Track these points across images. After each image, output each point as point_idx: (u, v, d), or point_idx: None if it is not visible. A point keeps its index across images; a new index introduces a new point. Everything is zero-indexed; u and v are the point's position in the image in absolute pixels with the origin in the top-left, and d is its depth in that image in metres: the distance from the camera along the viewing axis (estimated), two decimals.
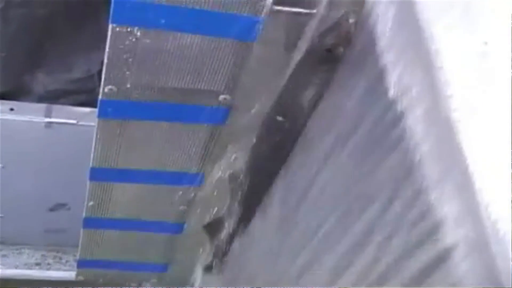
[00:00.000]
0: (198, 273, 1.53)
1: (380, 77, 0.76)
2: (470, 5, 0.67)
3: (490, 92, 0.63)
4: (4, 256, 1.85)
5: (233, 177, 1.23)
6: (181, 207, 1.35)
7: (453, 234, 0.63)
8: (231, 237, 1.34)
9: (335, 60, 0.85)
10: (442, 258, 0.64)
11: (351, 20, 0.81)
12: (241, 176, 1.21)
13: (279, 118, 1.00)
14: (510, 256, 0.56)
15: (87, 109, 1.45)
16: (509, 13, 0.66)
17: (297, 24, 0.95)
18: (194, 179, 1.26)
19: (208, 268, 1.47)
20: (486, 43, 0.63)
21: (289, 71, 0.97)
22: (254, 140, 1.13)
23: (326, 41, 0.85)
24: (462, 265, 0.62)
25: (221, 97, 1.06)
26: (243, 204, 1.25)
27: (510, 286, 0.56)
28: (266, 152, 1.14)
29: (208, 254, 1.46)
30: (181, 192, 1.31)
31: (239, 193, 1.24)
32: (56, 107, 1.50)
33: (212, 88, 1.05)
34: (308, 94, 0.94)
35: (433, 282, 0.67)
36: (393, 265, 0.74)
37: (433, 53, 0.66)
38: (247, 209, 1.26)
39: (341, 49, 0.84)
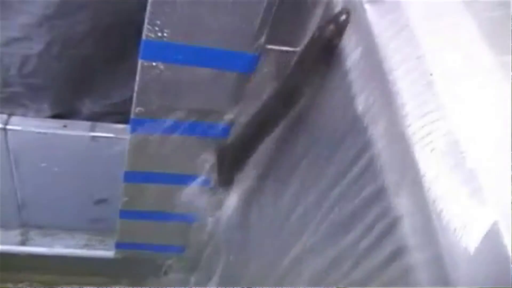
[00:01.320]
0: None
1: (351, 98, 0.74)
2: (419, 44, 0.65)
3: (435, 112, 0.61)
4: (61, 238, 1.85)
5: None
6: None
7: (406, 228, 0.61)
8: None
9: (333, 50, 0.81)
10: (398, 251, 0.62)
11: (344, 17, 0.77)
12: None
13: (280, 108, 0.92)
14: (453, 241, 0.54)
15: (122, 126, 1.45)
16: (452, 49, 0.65)
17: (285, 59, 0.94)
18: (205, 181, 1.24)
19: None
20: (431, 74, 0.62)
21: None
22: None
23: (325, 32, 0.80)
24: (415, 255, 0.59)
25: (226, 116, 1.06)
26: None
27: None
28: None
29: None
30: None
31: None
32: (99, 124, 1.50)
33: (218, 109, 1.04)
34: (310, 84, 0.88)
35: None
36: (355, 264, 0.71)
37: (391, 81, 0.65)
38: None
39: (338, 40, 0.79)
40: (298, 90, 0.88)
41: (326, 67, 0.83)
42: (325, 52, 0.81)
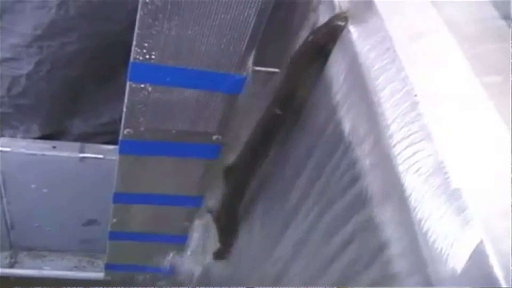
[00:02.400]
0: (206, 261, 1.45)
1: (337, 119, 0.75)
2: (403, 65, 0.66)
3: (419, 132, 0.61)
4: (50, 260, 1.85)
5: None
6: (185, 223, 1.34)
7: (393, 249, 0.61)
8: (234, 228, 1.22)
9: (326, 55, 0.80)
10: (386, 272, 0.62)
11: (339, 22, 0.77)
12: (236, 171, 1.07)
13: (277, 111, 0.91)
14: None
15: (111, 147, 1.46)
16: (435, 70, 0.66)
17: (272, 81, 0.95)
18: (195, 201, 1.24)
19: (216, 254, 1.32)
20: (416, 95, 0.62)
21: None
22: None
23: (318, 38, 0.81)
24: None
25: (214, 137, 1.06)
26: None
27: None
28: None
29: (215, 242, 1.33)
30: (185, 212, 1.30)
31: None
32: (88, 145, 1.51)
33: (207, 130, 1.04)
34: (303, 88, 0.88)
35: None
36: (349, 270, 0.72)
37: (376, 103, 0.65)
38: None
39: (331, 45, 0.79)
40: (292, 93, 0.88)
41: (318, 71, 0.82)
42: (318, 55, 0.82)
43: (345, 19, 0.76)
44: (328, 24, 0.79)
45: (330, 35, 0.78)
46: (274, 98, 0.90)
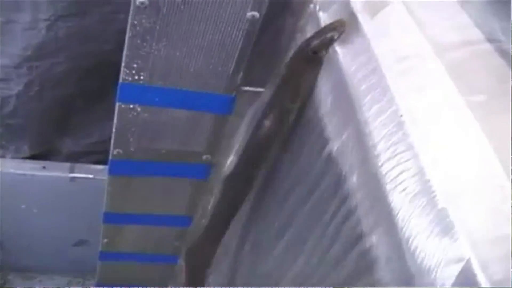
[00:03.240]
0: None
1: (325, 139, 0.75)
2: (389, 85, 0.67)
3: (406, 152, 0.62)
4: (40, 281, 1.83)
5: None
6: (176, 243, 1.33)
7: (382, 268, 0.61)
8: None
9: (319, 62, 0.81)
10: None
11: (332, 34, 0.78)
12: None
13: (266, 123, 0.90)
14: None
15: (101, 167, 1.45)
16: (421, 90, 0.66)
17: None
18: (184, 221, 1.24)
19: None
20: (401, 115, 0.63)
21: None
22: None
23: (312, 44, 0.81)
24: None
25: (204, 156, 1.06)
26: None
27: None
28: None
29: None
30: (175, 232, 1.29)
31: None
32: (78, 165, 1.50)
33: (197, 150, 1.04)
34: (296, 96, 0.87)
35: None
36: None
37: (363, 122, 0.66)
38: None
39: (324, 52, 0.79)
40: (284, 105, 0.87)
41: (311, 80, 0.83)
42: (311, 63, 0.82)
43: (341, 25, 0.77)
44: (321, 32, 0.80)
45: (324, 42, 0.79)
46: (263, 112, 0.90)
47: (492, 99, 0.64)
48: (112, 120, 0.98)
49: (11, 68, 1.40)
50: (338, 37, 0.77)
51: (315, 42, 0.80)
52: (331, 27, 0.78)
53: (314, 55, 0.80)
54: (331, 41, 0.78)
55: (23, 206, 1.56)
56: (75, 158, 1.56)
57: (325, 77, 0.77)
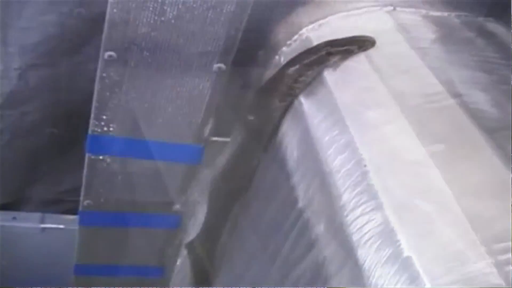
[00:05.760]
0: None
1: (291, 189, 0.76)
2: (353, 136, 0.68)
3: (370, 201, 0.63)
4: None
5: None
6: None
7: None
8: None
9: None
10: None
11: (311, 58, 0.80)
12: None
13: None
14: None
15: (72, 217, 1.42)
16: (384, 141, 0.68)
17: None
18: (157, 272, 1.23)
19: None
20: (365, 165, 0.65)
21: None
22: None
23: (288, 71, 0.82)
24: None
25: (175, 207, 1.06)
26: None
27: None
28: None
29: None
30: (148, 283, 1.26)
31: None
32: (49, 216, 1.46)
33: (167, 200, 1.04)
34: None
35: None
36: None
37: (327, 172, 0.68)
38: None
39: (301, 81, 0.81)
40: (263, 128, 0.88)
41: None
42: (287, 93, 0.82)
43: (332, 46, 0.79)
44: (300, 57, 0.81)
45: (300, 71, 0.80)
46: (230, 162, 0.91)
47: (450, 148, 0.66)
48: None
49: None
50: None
51: (293, 69, 0.81)
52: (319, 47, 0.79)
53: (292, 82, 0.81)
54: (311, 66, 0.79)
55: None
56: (46, 206, 1.54)
57: (291, 126, 0.79)
